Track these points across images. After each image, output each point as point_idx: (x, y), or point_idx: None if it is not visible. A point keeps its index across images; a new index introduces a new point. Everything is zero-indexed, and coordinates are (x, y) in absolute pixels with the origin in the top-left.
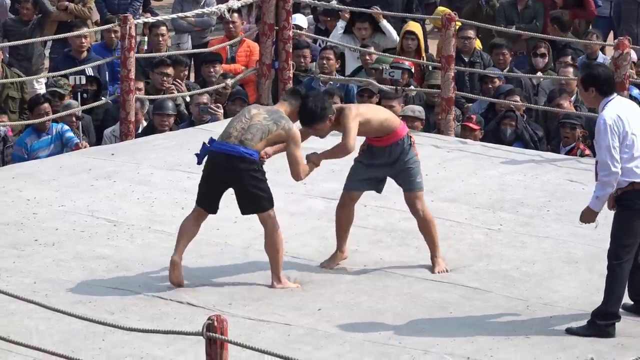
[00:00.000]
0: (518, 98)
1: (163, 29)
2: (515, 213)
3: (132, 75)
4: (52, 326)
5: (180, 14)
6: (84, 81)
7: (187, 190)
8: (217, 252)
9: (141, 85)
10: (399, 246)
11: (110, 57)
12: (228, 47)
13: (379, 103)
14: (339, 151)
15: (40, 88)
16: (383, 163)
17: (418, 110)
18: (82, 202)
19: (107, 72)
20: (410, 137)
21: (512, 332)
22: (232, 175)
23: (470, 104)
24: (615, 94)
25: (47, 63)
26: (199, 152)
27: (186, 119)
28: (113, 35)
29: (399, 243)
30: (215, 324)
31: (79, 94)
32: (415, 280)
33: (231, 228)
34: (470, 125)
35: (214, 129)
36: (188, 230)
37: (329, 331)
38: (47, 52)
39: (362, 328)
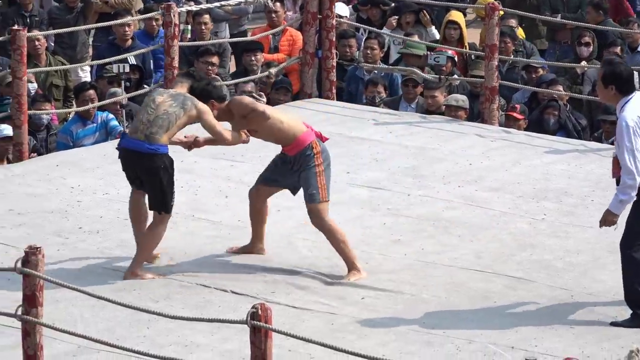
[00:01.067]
0: (561, 87)
1: (206, 17)
2: (559, 203)
3: (176, 63)
4: (96, 314)
5: (222, 2)
6: (127, 69)
7: (231, 179)
8: (264, 238)
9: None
10: (442, 235)
11: (154, 45)
12: (271, 36)
13: (422, 94)
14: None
15: (85, 76)
16: (291, 169)
17: (462, 99)
18: (126, 190)
19: (151, 61)
20: (314, 146)
21: (556, 322)
22: (141, 172)
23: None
24: (634, 93)
25: (91, 51)
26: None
27: None
28: (154, 24)
29: (442, 232)
30: (260, 312)
31: (122, 82)
32: (458, 269)
33: (274, 216)
34: (514, 114)
35: None
36: (136, 214)
37: (372, 320)
38: (90, 40)
39: (405, 317)
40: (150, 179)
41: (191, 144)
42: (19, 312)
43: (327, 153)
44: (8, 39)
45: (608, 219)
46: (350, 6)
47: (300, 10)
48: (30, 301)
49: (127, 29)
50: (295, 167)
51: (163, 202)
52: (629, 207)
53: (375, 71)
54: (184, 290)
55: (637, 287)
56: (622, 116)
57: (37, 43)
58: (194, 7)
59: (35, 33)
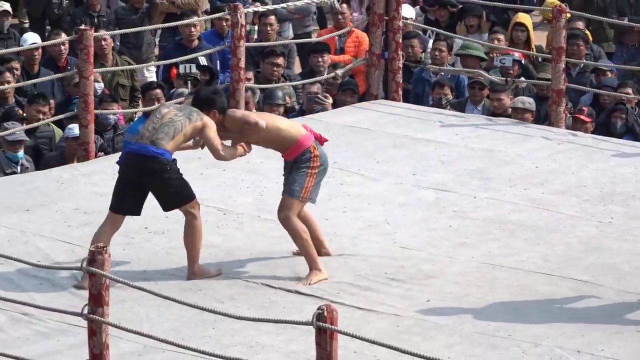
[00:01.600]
0: (630, 90)
1: (272, 18)
2: (626, 206)
3: (242, 64)
4: (162, 314)
5: (289, 2)
6: (194, 69)
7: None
8: (326, 241)
9: (250, 75)
10: (508, 238)
11: (221, 46)
12: (337, 37)
13: (488, 96)
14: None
15: (150, 76)
16: (288, 173)
17: (528, 102)
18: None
19: (217, 61)
20: (312, 151)
21: (623, 326)
22: (145, 176)
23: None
24: None
25: (157, 51)
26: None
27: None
28: (224, 24)
29: (508, 235)
30: (325, 313)
31: (188, 82)
32: (524, 272)
33: (340, 218)
34: (582, 117)
35: (323, 119)
36: (101, 241)
37: (438, 322)
38: (156, 40)
39: (471, 320)
40: (155, 180)
41: (197, 143)
42: (85, 311)
43: (325, 157)
44: (75, 39)
45: None
46: (418, 7)
47: (367, 12)
48: (96, 300)
49: (193, 29)
50: (292, 169)
51: (180, 196)
52: None
53: (442, 73)
54: (250, 291)
55: None
56: None
57: (104, 43)
58: (260, 8)
59: (102, 33)
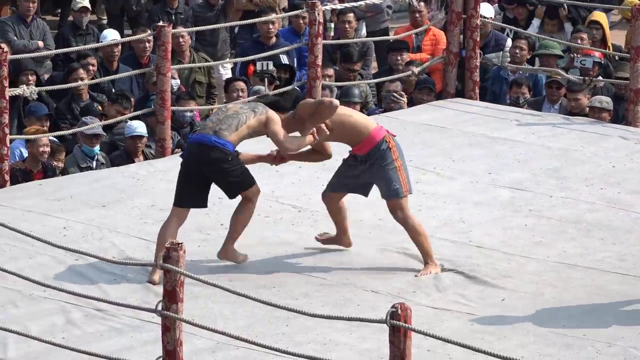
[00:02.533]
0: None
1: (350, 15)
2: None
3: (319, 61)
4: (236, 310)
5: (360, 2)
6: (271, 67)
7: None
8: (400, 240)
9: (331, 72)
10: (584, 237)
11: (298, 43)
12: (414, 35)
13: (565, 95)
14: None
15: (226, 73)
16: (363, 168)
17: (606, 101)
18: (267, 188)
19: (295, 59)
20: (388, 141)
21: None
22: (205, 165)
23: None
24: None
25: (233, 49)
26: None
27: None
28: (301, 21)
29: (584, 235)
30: (400, 311)
31: (265, 79)
32: (599, 272)
33: (416, 216)
34: None
35: (399, 117)
36: (167, 237)
37: (512, 321)
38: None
39: (545, 319)
40: (216, 170)
41: (275, 157)
42: (159, 308)
43: (400, 148)
44: (153, 35)
45: None
46: (496, 5)
47: (444, 10)
48: (171, 297)
49: (271, 26)
50: (368, 165)
51: (242, 184)
52: None
53: (520, 72)
54: (324, 289)
55: None
56: None
57: (181, 40)
58: (338, 5)
59: (180, 30)
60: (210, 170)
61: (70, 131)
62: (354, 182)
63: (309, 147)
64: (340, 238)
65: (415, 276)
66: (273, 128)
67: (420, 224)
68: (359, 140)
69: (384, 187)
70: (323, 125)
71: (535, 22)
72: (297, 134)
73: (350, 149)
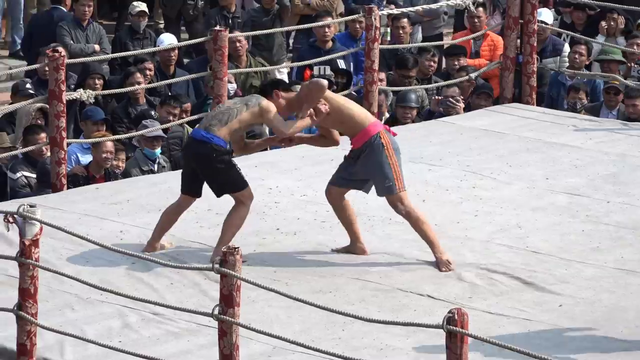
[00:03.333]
0: None
1: (404, 21)
2: None
3: (376, 66)
4: (292, 315)
5: (418, 7)
6: (328, 71)
7: (428, 183)
8: (457, 245)
9: (382, 76)
10: None
11: (355, 48)
12: (472, 40)
13: (623, 101)
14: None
15: (282, 78)
16: (359, 163)
17: None
18: (323, 192)
19: (351, 63)
20: (382, 137)
21: None
22: (194, 159)
23: None
24: None
25: (290, 53)
26: None
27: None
28: (358, 26)
29: None
30: (456, 317)
31: None
32: None
33: (471, 221)
34: None
35: (456, 122)
36: (168, 218)
37: (569, 327)
38: (291, 42)
39: (603, 325)
40: (202, 164)
41: (282, 140)
42: (216, 312)
43: (396, 145)
44: (210, 39)
45: None
46: (553, 10)
47: (502, 15)
48: (227, 301)
49: (327, 30)
50: (362, 159)
51: (228, 183)
52: None
53: (578, 77)
54: (380, 294)
55: None
56: None
57: (238, 44)
58: (394, 11)
59: (236, 34)
60: (196, 163)
61: (131, 134)
62: (353, 178)
63: (316, 132)
64: (354, 246)
65: (441, 270)
66: (268, 117)
67: (422, 215)
68: (355, 132)
69: (379, 184)
70: (322, 107)
71: (600, 39)
72: None
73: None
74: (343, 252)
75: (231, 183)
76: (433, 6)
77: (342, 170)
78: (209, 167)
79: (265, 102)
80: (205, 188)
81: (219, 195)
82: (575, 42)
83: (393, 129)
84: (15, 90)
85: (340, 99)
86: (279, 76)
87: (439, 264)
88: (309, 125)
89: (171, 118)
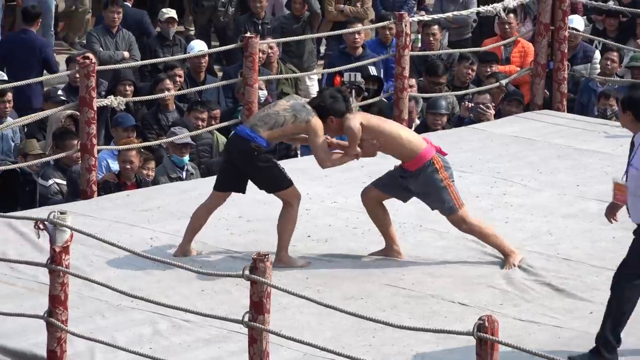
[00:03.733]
0: None
1: (435, 28)
2: None
3: (406, 73)
4: (322, 322)
5: (455, 13)
6: (358, 78)
7: (459, 189)
8: (487, 252)
9: (413, 82)
10: None
11: (385, 55)
12: (502, 47)
13: None
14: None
15: (313, 85)
16: (412, 182)
17: None
18: (354, 199)
19: (381, 70)
20: (435, 162)
21: None
22: (235, 156)
23: None
24: None
25: (320, 60)
26: None
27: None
28: (388, 33)
29: None
30: (487, 324)
31: (353, 90)
32: None
33: (502, 228)
34: None
35: (487, 129)
36: (198, 218)
37: None
38: (322, 49)
39: (634, 332)
40: (244, 161)
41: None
42: (246, 319)
43: (448, 164)
44: (241, 46)
45: None
46: (585, 17)
47: (533, 22)
48: (258, 308)
49: (357, 37)
50: (416, 182)
51: (271, 182)
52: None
53: (609, 84)
54: (411, 300)
55: (616, 328)
56: None
57: (270, 51)
58: (425, 17)
59: (267, 41)
60: (239, 161)
61: (160, 141)
62: (399, 188)
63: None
64: (391, 249)
65: (502, 269)
66: (312, 138)
67: (486, 227)
68: (408, 158)
69: (439, 207)
70: (372, 145)
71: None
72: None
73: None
74: (379, 256)
75: (274, 182)
76: (464, 13)
77: (390, 178)
78: (251, 165)
79: (314, 121)
80: (236, 194)
81: (268, 192)
82: (607, 49)
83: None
84: (47, 97)
85: (388, 127)
86: (308, 83)
87: (507, 265)
88: (351, 160)
89: (200, 123)
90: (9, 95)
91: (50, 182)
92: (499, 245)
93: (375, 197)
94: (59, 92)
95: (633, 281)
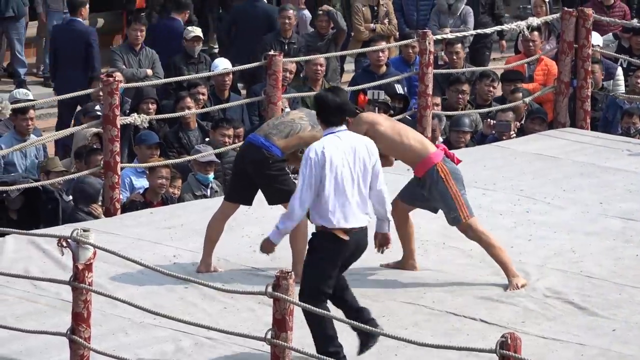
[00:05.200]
0: None
1: (458, 46)
2: None
3: (430, 91)
4: (344, 339)
5: (487, 30)
6: (382, 96)
7: (482, 207)
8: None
9: (438, 100)
10: None
11: (409, 73)
12: (526, 65)
13: None
14: None
15: None
16: (425, 190)
17: None
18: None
19: (405, 88)
20: (439, 169)
21: None
22: (249, 165)
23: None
24: (340, 128)
25: (345, 77)
26: None
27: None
28: (411, 51)
29: None
30: (509, 341)
31: (377, 108)
32: None
33: (525, 246)
34: None
35: (510, 146)
36: (213, 229)
37: (623, 352)
38: (346, 66)
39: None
40: (257, 171)
41: None
42: (269, 336)
43: (458, 173)
44: (265, 64)
45: (266, 246)
46: (611, 34)
47: (556, 40)
48: (280, 325)
49: (381, 55)
50: (426, 189)
51: (283, 193)
52: None
53: (635, 102)
54: (433, 318)
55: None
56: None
57: (319, 68)
58: (449, 35)
59: (289, 59)
60: (252, 170)
61: (184, 159)
62: (420, 197)
63: None
64: (407, 262)
65: (505, 290)
66: None
67: (493, 239)
68: (414, 162)
69: (446, 215)
70: (390, 160)
71: None
72: None
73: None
74: (393, 267)
75: (286, 192)
76: (487, 31)
77: (411, 188)
78: (263, 174)
79: None
80: (257, 211)
81: (270, 203)
82: (633, 67)
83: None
84: (84, 112)
85: (396, 131)
86: None
87: (510, 286)
88: None
89: (226, 140)
90: (32, 113)
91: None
92: (504, 263)
93: (401, 209)
94: (97, 107)
95: None
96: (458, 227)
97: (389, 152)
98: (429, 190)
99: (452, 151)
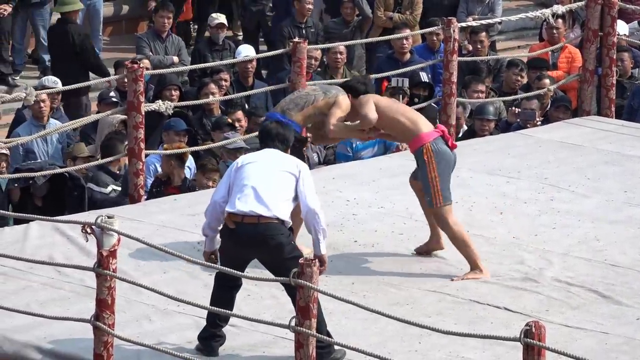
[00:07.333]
0: None
1: (482, 35)
2: None
3: (454, 78)
4: (368, 327)
5: (503, 17)
6: (405, 83)
7: (506, 195)
8: (534, 258)
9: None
10: None
11: (433, 60)
12: (550, 52)
13: None
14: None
15: None
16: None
17: None
18: (401, 205)
19: (429, 75)
20: (425, 151)
21: None
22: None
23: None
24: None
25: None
26: None
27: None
28: (435, 38)
29: None
30: (534, 330)
31: (400, 95)
32: None
33: (549, 234)
34: None
35: (534, 134)
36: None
37: None
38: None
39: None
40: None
41: (366, 132)
42: (293, 324)
43: (442, 155)
44: (289, 52)
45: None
46: (636, 22)
47: (581, 28)
48: (304, 313)
49: (404, 42)
50: (418, 167)
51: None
52: None
53: None
54: (457, 306)
55: None
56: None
57: (339, 56)
58: (473, 23)
59: (314, 46)
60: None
61: (211, 145)
62: (419, 176)
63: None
64: (433, 241)
65: (452, 280)
66: (332, 109)
67: (460, 232)
68: (407, 140)
69: (426, 196)
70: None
71: None
72: None
73: None
74: (425, 251)
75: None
76: (512, 18)
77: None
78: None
79: (342, 97)
80: None
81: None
82: None
83: (467, 142)
84: (100, 98)
85: (393, 108)
86: None
87: (463, 277)
88: (359, 136)
89: (252, 127)
90: (44, 96)
91: (109, 189)
92: (468, 256)
93: (415, 186)
94: (112, 93)
95: None
96: (432, 210)
97: (389, 124)
98: (419, 168)
99: (477, 139)
